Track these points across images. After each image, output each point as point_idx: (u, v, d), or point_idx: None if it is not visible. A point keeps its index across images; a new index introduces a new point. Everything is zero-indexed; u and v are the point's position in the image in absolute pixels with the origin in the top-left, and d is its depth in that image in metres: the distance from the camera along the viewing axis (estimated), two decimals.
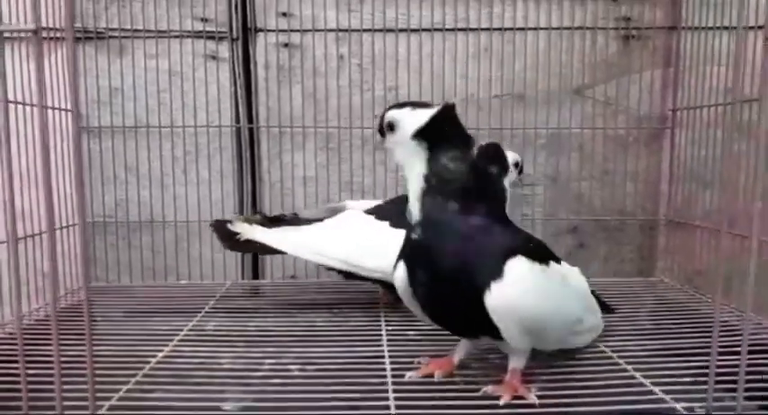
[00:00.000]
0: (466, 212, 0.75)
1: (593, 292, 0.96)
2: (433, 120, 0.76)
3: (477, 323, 0.75)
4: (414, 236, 0.77)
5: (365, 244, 1.07)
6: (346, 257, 1.07)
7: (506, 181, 0.90)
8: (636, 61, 1.36)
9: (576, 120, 1.36)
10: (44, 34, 1.26)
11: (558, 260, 0.85)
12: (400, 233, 0.82)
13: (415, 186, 0.76)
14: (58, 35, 1.28)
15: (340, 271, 1.10)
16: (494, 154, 0.85)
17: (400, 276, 0.80)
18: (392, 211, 1.09)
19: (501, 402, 0.74)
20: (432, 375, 0.82)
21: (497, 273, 0.72)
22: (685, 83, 1.32)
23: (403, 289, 0.80)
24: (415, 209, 0.77)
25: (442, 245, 0.74)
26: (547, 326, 0.78)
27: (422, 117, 0.76)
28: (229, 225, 1.11)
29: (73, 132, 1.19)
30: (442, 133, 0.76)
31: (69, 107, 1.30)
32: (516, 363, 0.79)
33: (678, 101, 1.35)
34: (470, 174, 0.76)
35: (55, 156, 1.25)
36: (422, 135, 0.76)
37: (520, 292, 0.73)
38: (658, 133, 1.38)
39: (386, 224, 1.08)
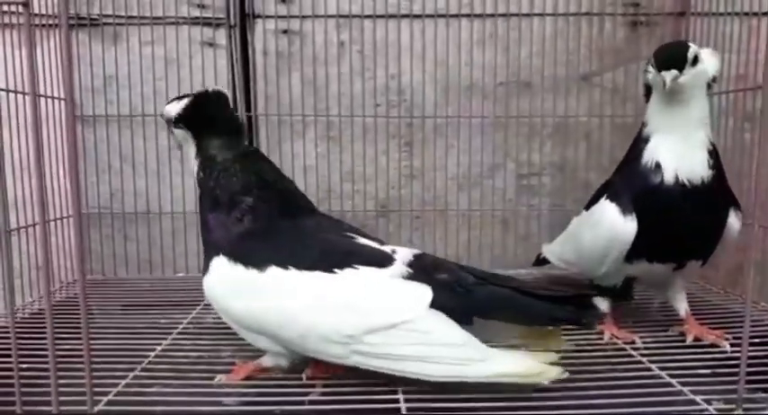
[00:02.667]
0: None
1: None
2: (187, 109, 0.80)
3: None
4: None
5: None
6: None
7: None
8: (644, 48, 1.32)
9: (584, 108, 1.33)
10: (37, 21, 1.22)
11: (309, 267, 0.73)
12: None
13: (195, 176, 0.82)
14: (52, 22, 1.24)
15: None
16: None
17: None
18: None
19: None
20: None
21: (207, 265, 0.79)
22: None
23: None
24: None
25: None
26: (272, 330, 0.74)
27: (178, 106, 0.80)
28: None
29: (67, 121, 1.15)
30: (203, 121, 0.79)
31: (63, 95, 1.27)
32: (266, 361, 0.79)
33: None
34: (236, 164, 0.79)
35: (48, 146, 1.22)
36: (182, 123, 0.81)
37: (217, 287, 0.77)
38: None
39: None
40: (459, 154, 1.34)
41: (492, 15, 1.30)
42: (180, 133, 0.83)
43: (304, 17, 1.29)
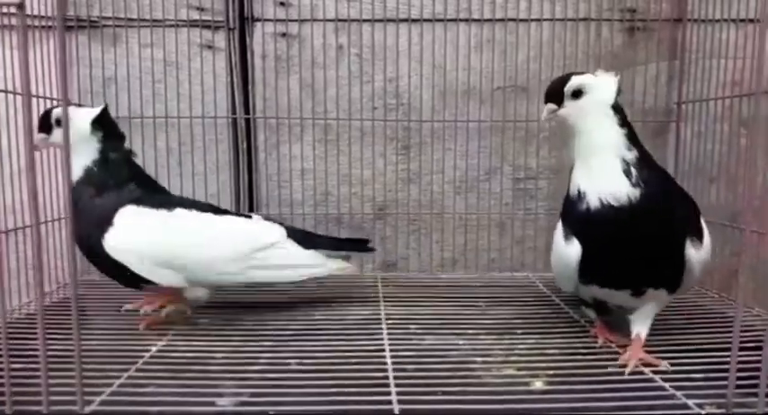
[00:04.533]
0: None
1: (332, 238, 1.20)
2: (103, 115, 0.98)
3: (122, 272, 0.92)
4: None
5: None
6: None
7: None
8: (641, 53, 1.33)
9: None
10: (36, 23, 1.23)
11: (218, 211, 1.04)
12: None
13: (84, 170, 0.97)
14: (49, 24, 1.25)
15: None
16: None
17: None
18: None
19: None
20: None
21: (108, 224, 0.91)
22: (691, 76, 1.30)
23: None
24: None
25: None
26: (183, 259, 0.94)
27: (93, 112, 0.98)
28: None
29: (63, 123, 1.16)
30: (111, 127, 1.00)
31: (61, 97, 1.27)
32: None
33: (683, 95, 1.32)
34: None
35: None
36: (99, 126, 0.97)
37: (127, 232, 0.91)
38: (663, 126, 1.36)
39: None
40: (456, 158, 1.34)
41: (490, 20, 1.31)
42: (84, 134, 0.96)
43: (303, 21, 1.30)
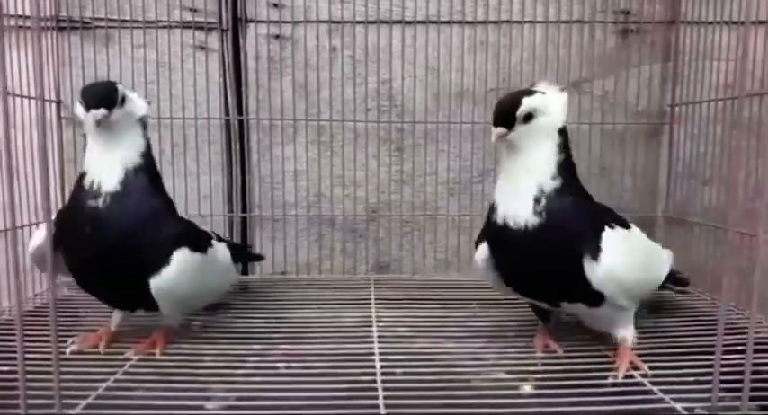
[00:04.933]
0: None
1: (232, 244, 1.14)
2: None
3: (138, 300, 0.88)
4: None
5: None
6: None
7: None
8: (634, 55, 1.33)
9: (573, 115, 1.32)
10: (27, 23, 1.22)
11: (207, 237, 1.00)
12: None
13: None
14: (43, 24, 1.25)
15: None
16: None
17: None
18: None
19: None
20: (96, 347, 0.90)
21: (166, 261, 0.84)
22: (684, 78, 1.30)
23: None
24: None
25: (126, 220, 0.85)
26: (196, 299, 0.95)
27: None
28: None
29: (38, 124, 1.17)
30: None
31: (54, 97, 1.27)
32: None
33: (677, 97, 1.32)
34: None
35: (32, 149, 1.22)
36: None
37: (180, 279, 0.85)
38: (657, 128, 1.36)
39: None
40: (449, 160, 1.34)
41: (483, 22, 1.31)
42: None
43: (296, 22, 1.30)
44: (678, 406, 0.70)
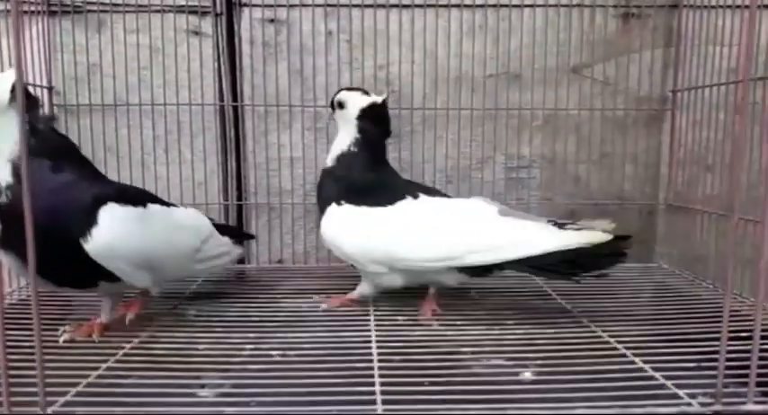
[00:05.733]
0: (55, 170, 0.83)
1: (224, 226, 1.17)
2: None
3: (90, 272, 0.83)
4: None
5: None
6: None
7: None
8: (636, 40, 1.31)
9: (574, 101, 1.31)
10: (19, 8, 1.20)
11: (162, 203, 0.97)
12: None
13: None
14: (33, 8, 1.22)
15: None
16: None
17: None
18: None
19: None
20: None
21: (92, 221, 0.81)
22: (687, 63, 1.28)
23: None
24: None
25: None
26: (158, 259, 0.89)
27: None
28: None
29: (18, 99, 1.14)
30: None
31: (45, 83, 1.25)
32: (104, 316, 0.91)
33: (679, 82, 1.30)
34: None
35: None
36: None
37: (116, 234, 0.82)
38: (658, 114, 1.34)
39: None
40: (447, 147, 1.32)
41: (482, 6, 1.28)
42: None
43: (291, 6, 1.27)
44: (680, 392, 0.69)
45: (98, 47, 1.26)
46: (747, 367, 0.66)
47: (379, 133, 1.07)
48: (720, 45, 1.21)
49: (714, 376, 0.66)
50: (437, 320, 0.96)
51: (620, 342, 0.84)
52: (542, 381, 0.73)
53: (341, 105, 1.08)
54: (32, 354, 0.60)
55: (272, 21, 1.28)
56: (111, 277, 0.85)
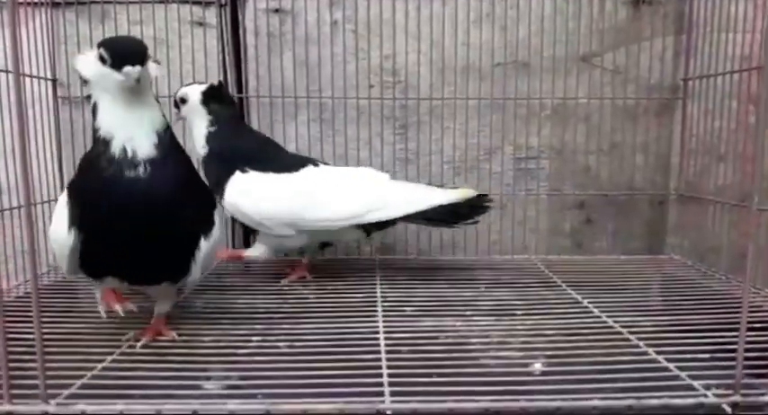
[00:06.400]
0: None
1: None
2: None
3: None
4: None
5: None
6: None
7: None
8: (646, 27, 1.29)
9: (583, 90, 1.29)
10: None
11: None
12: None
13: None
14: (37, 0, 1.21)
15: None
16: None
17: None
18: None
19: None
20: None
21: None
22: (698, 50, 1.26)
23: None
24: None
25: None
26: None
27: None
28: None
29: (14, 100, 1.14)
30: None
31: (49, 75, 1.24)
32: (161, 308, 0.86)
33: (691, 70, 1.28)
34: None
35: (34, 127, 1.19)
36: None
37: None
38: (669, 103, 1.32)
39: None
40: (455, 137, 1.31)
41: None
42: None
43: None
44: (695, 383, 0.67)
45: (102, 38, 1.24)
46: (764, 359, 0.65)
47: (228, 111, 1.12)
48: (733, 32, 1.18)
49: (729, 368, 0.64)
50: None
51: (632, 333, 0.83)
52: (553, 372, 0.72)
53: (183, 100, 1.12)
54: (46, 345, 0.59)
55: (276, 11, 1.27)
56: (184, 274, 0.80)
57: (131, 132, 0.73)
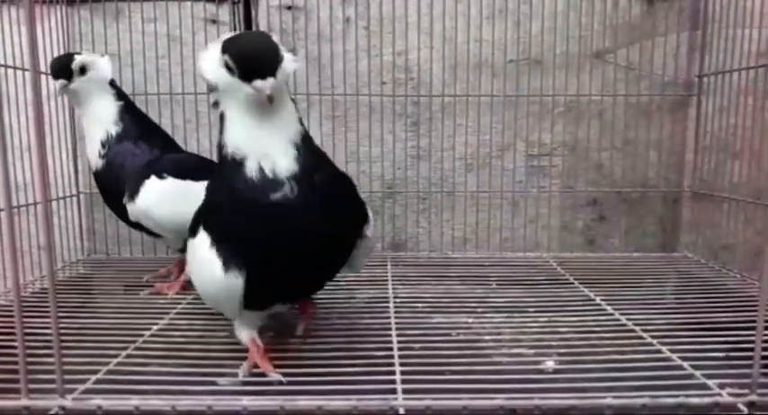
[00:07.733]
0: None
1: None
2: None
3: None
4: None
5: None
6: None
7: None
8: (660, 23, 1.28)
9: (597, 87, 1.29)
10: None
11: None
12: None
13: None
14: None
15: None
16: None
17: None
18: None
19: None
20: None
21: None
22: (713, 46, 1.25)
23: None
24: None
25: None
26: None
27: None
28: None
29: (31, 97, 1.15)
30: None
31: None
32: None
33: (705, 67, 1.27)
34: None
35: (50, 124, 1.21)
36: None
37: None
38: (683, 100, 1.30)
39: None
40: (467, 134, 1.30)
41: None
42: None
43: None
44: (710, 382, 0.67)
45: (116, 36, 1.26)
46: None
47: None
48: (749, 27, 1.17)
49: (744, 366, 0.64)
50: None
51: (645, 331, 0.82)
52: (566, 370, 0.72)
53: (83, 70, 1.00)
54: (64, 339, 0.60)
55: (289, 8, 1.27)
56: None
57: (265, 148, 0.65)
